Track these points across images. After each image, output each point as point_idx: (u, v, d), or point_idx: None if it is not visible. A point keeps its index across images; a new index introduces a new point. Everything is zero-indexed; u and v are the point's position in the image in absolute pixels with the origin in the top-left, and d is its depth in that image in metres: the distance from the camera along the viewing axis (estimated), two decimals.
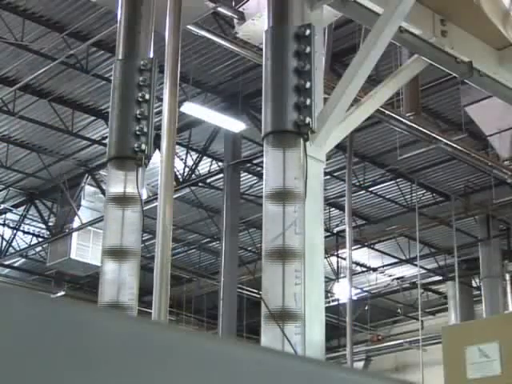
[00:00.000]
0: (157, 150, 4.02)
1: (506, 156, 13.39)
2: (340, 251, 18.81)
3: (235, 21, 6.26)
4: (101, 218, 15.15)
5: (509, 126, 12.70)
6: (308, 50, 3.40)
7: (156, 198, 3.96)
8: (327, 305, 16.45)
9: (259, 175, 15.99)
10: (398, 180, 16.98)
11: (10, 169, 16.70)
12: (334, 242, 18.73)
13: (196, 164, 15.77)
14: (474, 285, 20.09)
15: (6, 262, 19.88)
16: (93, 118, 14.99)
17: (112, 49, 12.34)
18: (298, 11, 3.53)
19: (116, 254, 3.66)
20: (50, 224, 18.15)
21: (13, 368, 0.86)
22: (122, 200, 3.72)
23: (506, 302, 17.73)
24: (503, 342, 3.92)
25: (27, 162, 16.60)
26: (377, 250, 19.93)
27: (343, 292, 18.74)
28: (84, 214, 16.76)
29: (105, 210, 3.87)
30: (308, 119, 3.32)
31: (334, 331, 19.38)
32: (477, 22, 5.59)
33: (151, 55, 4.00)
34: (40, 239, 18.86)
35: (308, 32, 3.42)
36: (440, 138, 13.06)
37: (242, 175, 15.69)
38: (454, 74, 5.97)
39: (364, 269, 20.94)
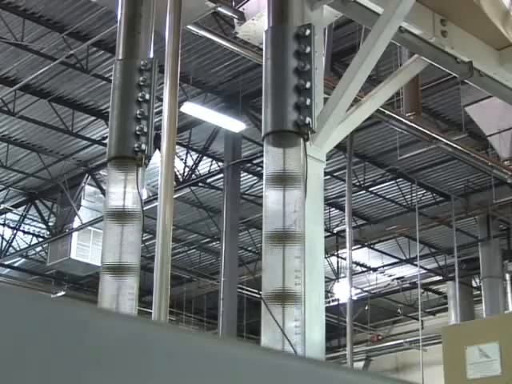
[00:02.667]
0: (157, 150, 4.02)
1: (506, 156, 13.39)
2: (340, 251, 18.81)
3: (235, 21, 6.26)
4: (101, 218, 15.16)
5: (509, 125, 12.71)
6: (308, 49, 3.40)
7: (156, 198, 3.95)
8: (327, 305, 16.46)
9: (259, 175, 15.98)
10: (398, 180, 16.98)
11: (10, 169, 16.70)
12: (334, 241, 18.73)
13: (196, 164, 15.77)
14: (474, 285, 20.09)
15: (6, 262, 19.87)
16: (93, 117, 14.99)
17: (112, 49, 12.34)
18: (298, 11, 3.53)
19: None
20: (50, 224, 18.16)
21: (13, 368, 0.86)
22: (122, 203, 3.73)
23: (506, 301, 17.72)
24: (503, 342, 3.92)
25: (27, 162, 16.61)
26: (377, 250, 19.93)
27: (343, 292, 18.75)
28: (84, 214, 16.76)
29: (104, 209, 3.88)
30: (308, 119, 3.31)
31: (334, 331, 19.39)
32: (477, 22, 5.59)
33: (151, 55, 4.00)
34: (40, 239, 18.86)
35: (308, 32, 3.42)
36: (440, 138, 13.06)
37: (242, 175, 15.68)
38: (454, 74, 5.97)
39: (364, 269, 20.94)
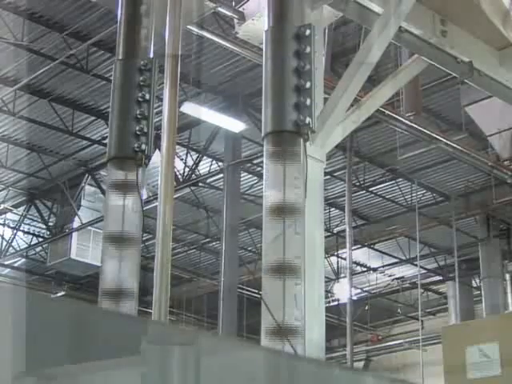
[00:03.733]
0: (157, 150, 4.02)
1: (506, 156, 13.40)
2: (340, 251, 18.80)
3: (235, 21, 6.26)
4: (101, 218, 15.16)
5: (509, 125, 12.71)
6: (308, 49, 3.40)
7: (156, 198, 3.95)
8: (327, 305, 16.47)
9: (259, 175, 15.98)
10: (398, 180, 16.98)
11: (10, 169, 16.70)
12: (334, 241, 18.72)
13: (196, 164, 15.77)
14: (474, 285, 20.09)
15: (6, 262, 19.87)
16: (93, 117, 14.99)
17: (112, 49, 12.34)
18: (297, 11, 3.53)
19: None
20: (50, 224, 18.15)
21: (13, 368, 0.86)
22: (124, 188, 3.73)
23: (506, 302, 17.72)
24: (503, 341, 3.92)
25: (27, 162, 16.60)
26: (377, 250, 19.92)
27: (343, 292, 18.75)
28: (84, 214, 16.77)
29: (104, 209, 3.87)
30: (308, 119, 3.31)
31: (334, 331, 19.38)
32: (477, 22, 5.60)
33: (151, 55, 4.00)
34: (40, 239, 18.85)
35: (308, 32, 3.42)
36: (440, 138, 13.06)
37: (242, 175, 15.68)
38: (454, 74, 5.98)
39: (364, 269, 20.94)
